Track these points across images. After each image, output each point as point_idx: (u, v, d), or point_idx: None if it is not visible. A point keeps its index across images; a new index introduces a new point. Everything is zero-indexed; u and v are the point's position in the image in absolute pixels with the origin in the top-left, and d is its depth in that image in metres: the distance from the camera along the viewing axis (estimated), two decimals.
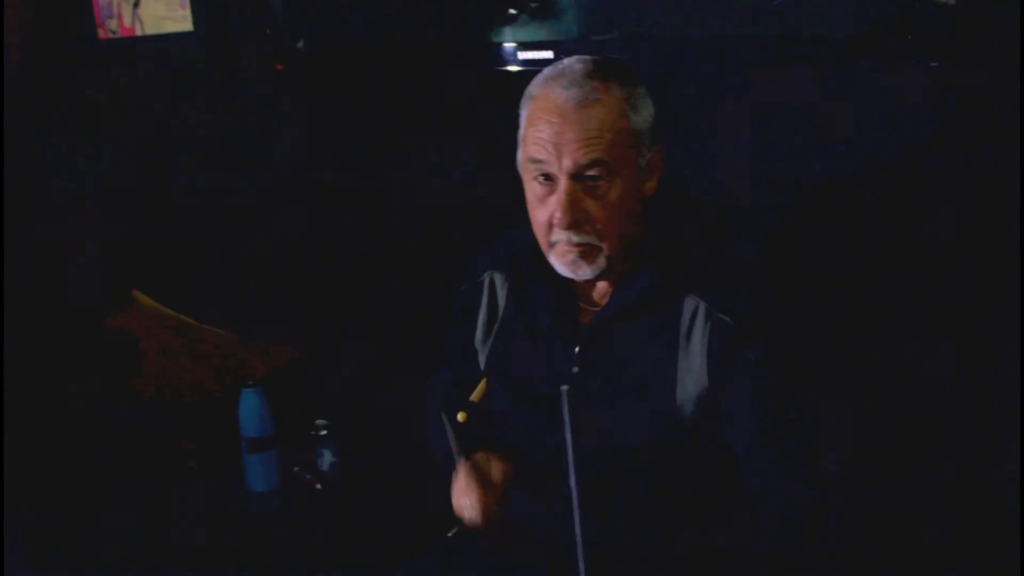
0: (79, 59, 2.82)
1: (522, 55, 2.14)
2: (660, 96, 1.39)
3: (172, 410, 2.38)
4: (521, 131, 1.39)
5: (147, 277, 2.77)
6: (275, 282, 2.68)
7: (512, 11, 2.03)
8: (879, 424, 1.71)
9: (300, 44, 2.50)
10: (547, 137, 1.32)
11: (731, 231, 1.53)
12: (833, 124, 1.71)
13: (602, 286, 1.43)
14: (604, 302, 1.43)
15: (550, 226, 1.35)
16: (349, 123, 2.56)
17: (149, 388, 2.44)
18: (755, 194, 1.83)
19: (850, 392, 1.69)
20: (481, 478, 1.41)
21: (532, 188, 1.37)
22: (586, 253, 1.35)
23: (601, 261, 1.36)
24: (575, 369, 1.42)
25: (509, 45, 2.17)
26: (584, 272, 1.37)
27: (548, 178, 1.34)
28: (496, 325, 1.53)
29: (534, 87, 1.37)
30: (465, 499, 1.41)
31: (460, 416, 1.46)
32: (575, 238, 1.34)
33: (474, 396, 1.51)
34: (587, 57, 1.37)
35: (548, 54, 2.06)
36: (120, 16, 2.74)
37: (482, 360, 1.54)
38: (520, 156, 1.39)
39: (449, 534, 1.66)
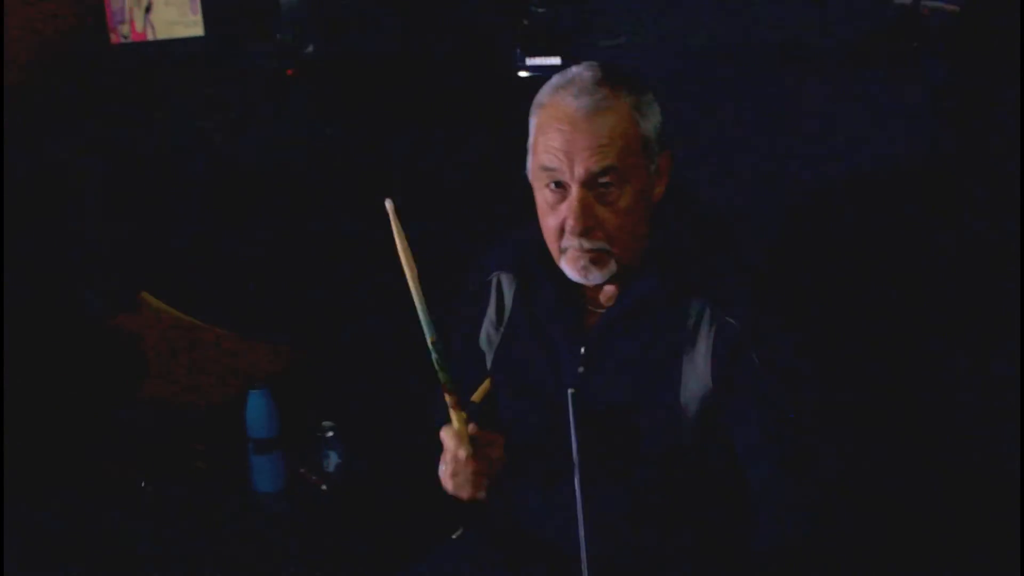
0: (91, 63, 2.84)
1: (530, 61, 2.16)
2: (666, 102, 1.40)
3: (179, 411, 2.39)
4: (531, 139, 1.40)
5: (154, 279, 2.78)
6: (282, 284, 2.69)
7: (524, 21, 2.04)
8: (881, 425, 1.71)
9: (310, 49, 2.52)
10: (559, 145, 1.33)
11: (736, 234, 1.54)
12: (837, 130, 1.73)
13: (609, 288, 1.44)
14: (610, 304, 1.44)
15: (561, 232, 1.36)
16: (357, 126, 2.57)
17: (156, 389, 2.45)
18: (760, 198, 1.84)
19: (853, 393, 1.70)
20: (472, 448, 1.36)
21: (543, 195, 1.38)
22: (597, 259, 1.36)
23: (612, 266, 1.37)
24: (580, 369, 1.43)
25: (517, 51, 2.18)
26: (595, 277, 1.38)
27: (559, 185, 1.35)
28: (502, 326, 1.54)
29: (543, 95, 1.38)
30: (449, 465, 1.38)
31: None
32: (587, 244, 1.35)
33: (475, 396, 1.51)
34: (595, 64, 1.38)
35: (555, 60, 2.08)
36: (132, 21, 2.76)
37: (488, 361, 1.55)
38: (530, 164, 1.40)
39: (453, 536, 1.66)
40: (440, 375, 1.33)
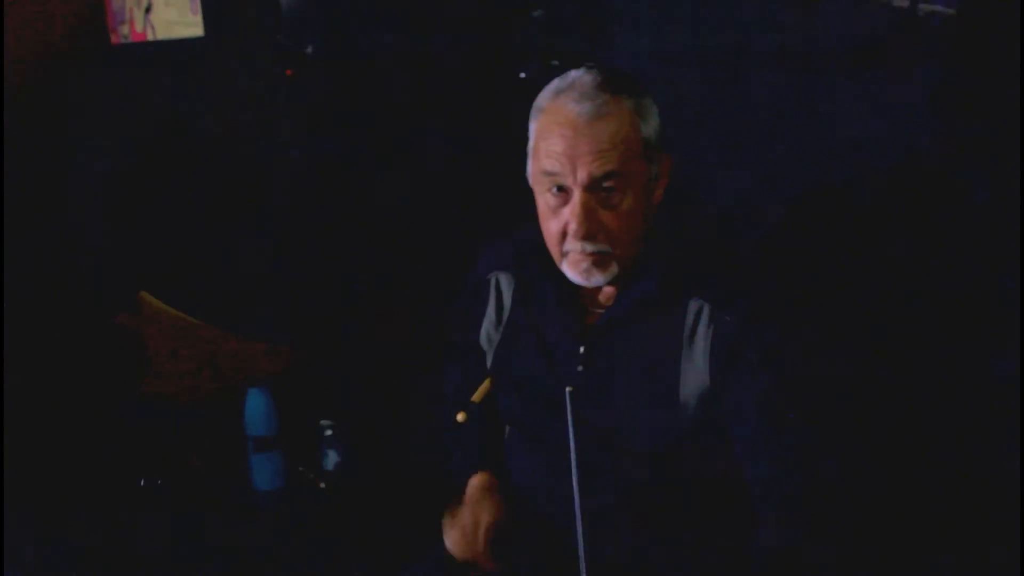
0: (91, 64, 2.85)
1: (529, 63, 2.17)
2: (664, 105, 1.41)
3: (179, 410, 2.40)
4: (531, 143, 1.40)
5: (153, 279, 2.78)
6: (281, 283, 2.70)
7: (530, 15, 2.05)
8: (880, 424, 1.72)
9: (309, 49, 2.53)
10: (561, 150, 1.33)
11: (734, 234, 1.55)
12: (834, 131, 1.74)
13: (608, 288, 1.45)
14: (609, 303, 1.45)
15: (563, 236, 1.37)
16: (356, 127, 2.58)
17: (156, 388, 2.46)
18: (757, 199, 1.85)
19: (851, 392, 1.71)
20: (474, 521, 1.45)
21: (545, 199, 1.38)
22: (599, 261, 1.37)
23: (614, 268, 1.38)
24: (580, 369, 1.44)
25: (516, 53, 2.19)
26: (597, 279, 1.39)
27: (561, 190, 1.36)
28: (502, 326, 1.55)
29: (543, 100, 1.38)
30: (453, 537, 1.46)
31: (460, 416, 1.48)
32: (589, 247, 1.35)
33: (475, 397, 1.53)
34: (595, 68, 1.38)
35: (554, 63, 2.09)
36: (132, 22, 2.77)
37: (489, 360, 1.56)
38: (531, 168, 1.41)
39: None
40: None
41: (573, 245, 1.36)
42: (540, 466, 1.48)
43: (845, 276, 1.80)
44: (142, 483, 2.18)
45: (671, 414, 1.38)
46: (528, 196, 1.44)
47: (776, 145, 1.81)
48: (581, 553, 1.33)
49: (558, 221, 1.37)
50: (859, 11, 1.69)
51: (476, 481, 1.52)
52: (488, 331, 1.56)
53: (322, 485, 2.14)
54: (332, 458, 2.17)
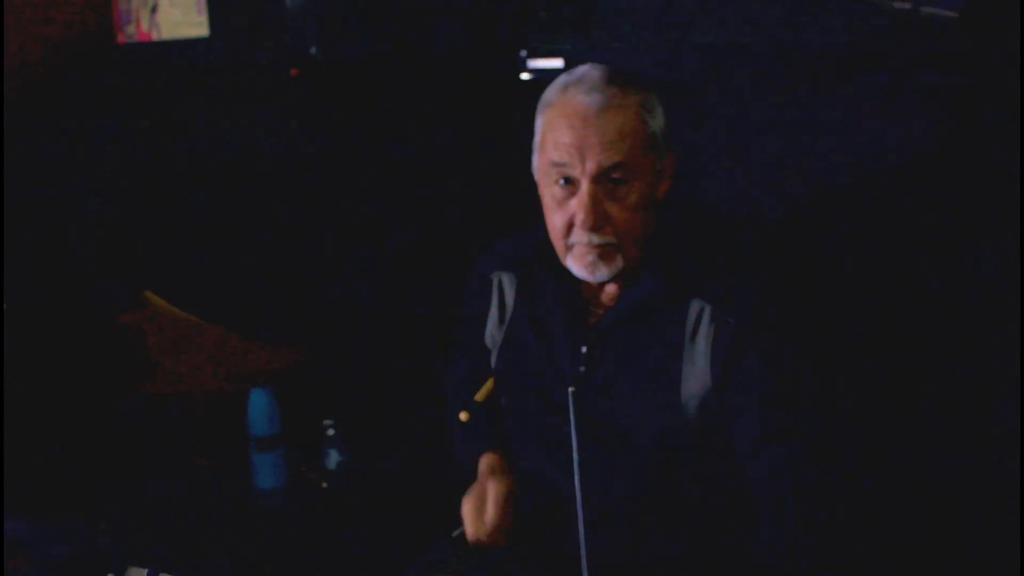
0: (97, 63, 2.86)
1: (532, 63, 2.17)
2: (668, 104, 1.42)
3: (182, 409, 2.41)
4: (538, 137, 1.41)
5: (157, 278, 2.79)
6: (284, 282, 2.71)
7: (537, 16, 2.06)
8: (880, 424, 1.72)
9: (313, 50, 2.54)
10: (569, 141, 1.34)
11: (735, 235, 1.56)
12: (836, 133, 1.74)
13: (610, 288, 1.45)
14: (611, 303, 1.45)
15: (568, 229, 1.38)
16: (360, 127, 2.59)
17: (159, 387, 2.47)
18: (759, 199, 1.86)
19: (852, 392, 1.71)
20: (487, 502, 1.46)
21: (551, 192, 1.39)
22: (605, 254, 1.37)
23: (619, 261, 1.38)
24: (582, 368, 1.44)
25: (521, 53, 2.20)
26: (602, 273, 1.39)
27: (568, 182, 1.37)
28: (504, 325, 1.55)
29: (551, 94, 1.40)
30: (471, 518, 1.47)
31: (463, 415, 1.49)
32: (596, 239, 1.36)
33: (479, 396, 1.53)
34: (601, 64, 1.40)
35: (559, 63, 2.09)
36: (138, 22, 2.78)
37: (492, 360, 1.56)
38: (537, 161, 1.42)
39: (454, 534, 1.67)
40: None
41: (579, 237, 1.37)
42: (542, 465, 1.48)
43: (846, 277, 1.80)
44: (151, 482, 2.18)
45: (672, 414, 1.39)
46: (531, 196, 1.45)
47: (778, 147, 1.82)
48: (583, 551, 1.33)
49: (564, 214, 1.37)
50: (860, 13, 1.69)
51: (485, 460, 1.53)
52: (491, 330, 1.57)
53: (324, 484, 2.14)
54: (334, 457, 2.17)
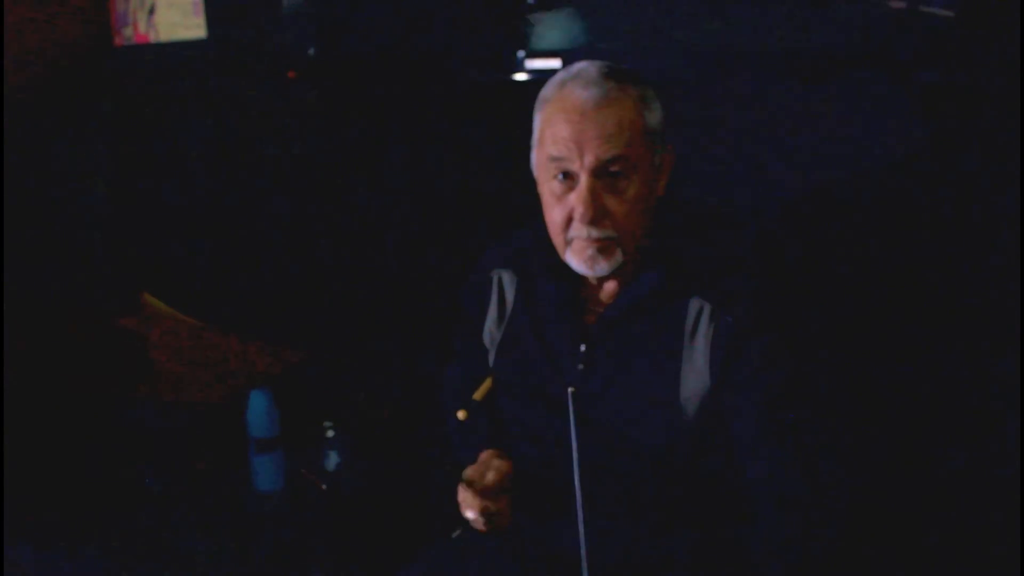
0: (94, 65, 2.86)
1: (529, 63, 2.17)
2: (666, 104, 1.42)
3: (181, 412, 2.41)
4: (536, 133, 1.42)
5: (156, 280, 2.79)
6: (283, 284, 2.71)
7: (528, 17, 2.06)
8: (879, 424, 1.72)
9: (311, 51, 2.54)
10: (568, 135, 1.34)
11: (734, 233, 1.56)
12: (834, 132, 1.74)
13: (609, 286, 1.45)
14: (610, 302, 1.45)
15: (567, 223, 1.38)
16: (358, 127, 2.59)
17: (159, 390, 2.47)
18: (758, 198, 1.86)
19: (851, 391, 1.71)
20: (484, 484, 1.43)
21: (550, 187, 1.39)
22: (604, 248, 1.37)
23: (618, 255, 1.38)
24: (580, 367, 1.44)
25: (518, 53, 2.20)
26: (601, 267, 1.39)
27: (567, 176, 1.37)
28: (504, 324, 1.55)
29: (549, 90, 1.40)
30: (468, 503, 1.44)
31: (460, 414, 1.49)
32: (595, 233, 1.36)
33: (477, 394, 1.53)
34: (598, 61, 1.40)
35: (555, 63, 2.10)
36: (135, 23, 2.78)
37: (490, 359, 1.56)
38: (536, 157, 1.42)
39: (453, 535, 1.68)
40: None
41: (578, 231, 1.37)
42: (541, 464, 1.48)
43: (845, 277, 1.80)
44: (149, 482, 2.18)
45: (671, 413, 1.39)
46: (530, 196, 1.45)
47: (774, 146, 1.82)
48: (582, 552, 1.33)
49: (563, 208, 1.37)
50: (858, 13, 1.70)
51: (484, 455, 1.52)
52: (490, 329, 1.56)
53: (324, 486, 2.14)
54: (333, 459, 2.17)
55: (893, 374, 1.75)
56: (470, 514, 1.42)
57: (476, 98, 2.35)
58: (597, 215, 1.35)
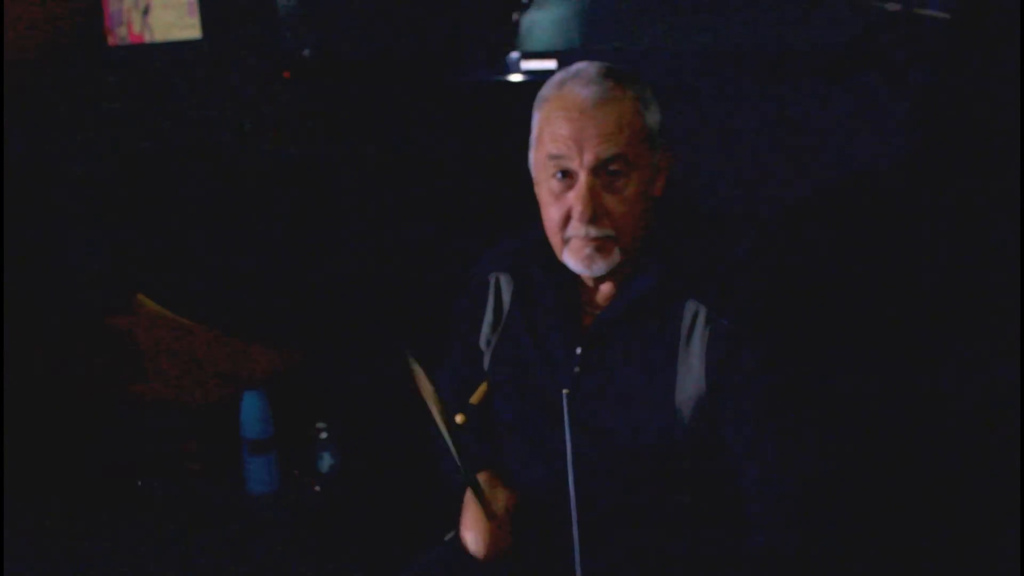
0: (88, 65, 2.85)
1: (525, 65, 2.18)
2: (663, 104, 1.42)
3: (174, 413, 2.40)
4: (535, 132, 1.41)
5: (150, 281, 2.79)
6: (276, 285, 2.70)
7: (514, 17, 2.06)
8: (875, 426, 1.72)
9: (306, 52, 2.54)
10: (567, 133, 1.34)
11: (731, 237, 1.56)
12: (830, 134, 1.75)
13: (605, 289, 1.45)
14: (607, 305, 1.45)
15: (565, 222, 1.37)
16: (355, 128, 2.59)
17: (151, 390, 2.46)
18: (754, 201, 1.86)
19: (847, 394, 1.71)
20: (487, 513, 1.43)
21: (548, 186, 1.39)
22: (602, 247, 1.37)
23: (616, 255, 1.38)
24: (576, 370, 1.44)
25: (512, 54, 2.20)
26: (599, 266, 1.38)
27: (566, 175, 1.37)
28: (500, 327, 1.55)
29: (548, 90, 1.40)
30: (471, 533, 1.44)
31: (458, 418, 1.48)
32: (593, 231, 1.36)
33: (474, 399, 1.52)
34: (597, 61, 1.40)
35: (551, 64, 2.10)
36: (130, 23, 2.78)
37: (486, 362, 1.56)
38: (534, 156, 1.42)
39: (446, 537, 1.67)
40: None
41: (576, 230, 1.37)
42: (536, 468, 1.48)
43: (841, 279, 1.80)
44: (140, 484, 2.17)
45: (667, 416, 1.38)
46: (528, 197, 1.44)
47: (771, 148, 1.82)
48: (577, 553, 1.33)
49: (561, 207, 1.37)
50: (853, 14, 1.70)
51: (483, 478, 1.52)
52: (486, 332, 1.56)
53: (317, 488, 2.13)
54: (327, 461, 2.17)
55: (890, 378, 1.75)
56: (475, 539, 1.43)
57: (472, 99, 2.35)
58: (596, 213, 1.35)
